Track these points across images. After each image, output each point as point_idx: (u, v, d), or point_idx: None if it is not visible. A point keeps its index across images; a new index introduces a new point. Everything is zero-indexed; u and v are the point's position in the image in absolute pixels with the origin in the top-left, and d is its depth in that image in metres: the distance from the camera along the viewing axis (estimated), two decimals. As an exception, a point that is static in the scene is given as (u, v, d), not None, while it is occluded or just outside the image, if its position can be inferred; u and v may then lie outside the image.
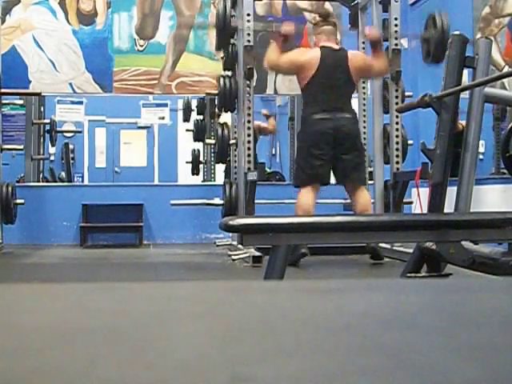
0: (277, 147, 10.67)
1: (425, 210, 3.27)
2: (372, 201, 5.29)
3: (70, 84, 7.05)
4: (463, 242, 2.58)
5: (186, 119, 9.11)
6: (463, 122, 3.65)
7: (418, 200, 3.80)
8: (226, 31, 5.23)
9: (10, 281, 4.07)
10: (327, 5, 7.46)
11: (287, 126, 8.99)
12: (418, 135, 6.52)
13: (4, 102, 6.71)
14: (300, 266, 4.57)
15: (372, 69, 4.81)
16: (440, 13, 4.78)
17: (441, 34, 4.73)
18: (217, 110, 7.42)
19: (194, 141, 8.76)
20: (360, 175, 4.72)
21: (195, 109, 8.90)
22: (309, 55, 4.75)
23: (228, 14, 5.20)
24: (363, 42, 5.87)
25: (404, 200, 5.26)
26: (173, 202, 6.03)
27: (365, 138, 5.74)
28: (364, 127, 5.78)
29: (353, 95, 4.94)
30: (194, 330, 0.61)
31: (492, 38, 4.89)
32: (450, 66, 3.17)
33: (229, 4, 5.27)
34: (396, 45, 5.30)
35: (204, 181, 8.91)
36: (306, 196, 4.58)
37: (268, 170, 8.85)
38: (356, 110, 5.10)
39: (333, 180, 4.87)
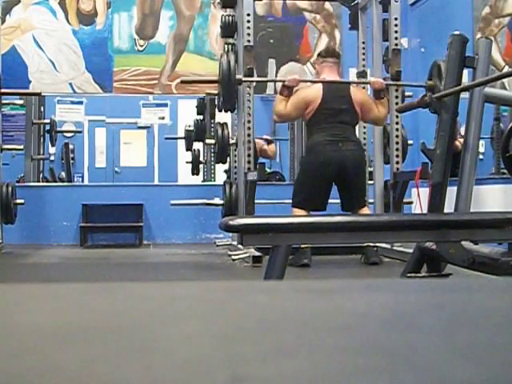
0: (277, 147, 10.66)
1: (425, 210, 3.27)
2: (372, 201, 5.30)
3: (70, 84, 7.05)
4: (463, 242, 2.58)
5: (189, 148, 9.09)
6: (462, 140, 3.65)
7: (418, 200, 3.81)
8: (231, 85, 5.19)
9: (10, 281, 4.07)
10: (327, 5, 7.47)
11: (287, 126, 8.99)
12: (418, 135, 6.52)
13: (4, 102, 6.71)
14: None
15: (372, 109, 4.79)
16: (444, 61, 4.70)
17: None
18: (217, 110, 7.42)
19: (194, 141, 8.76)
20: (363, 202, 4.79)
21: (194, 134, 8.85)
22: (311, 90, 4.79)
23: (232, 68, 5.16)
24: (363, 42, 5.87)
25: (404, 200, 5.26)
26: (173, 202, 6.04)
27: (365, 138, 5.75)
28: (364, 127, 5.78)
29: (356, 126, 4.96)
30: (194, 330, 0.61)
31: (492, 38, 4.89)
32: (450, 66, 3.17)
33: (233, 59, 5.24)
34: (396, 45, 5.30)
35: (204, 181, 8.91)
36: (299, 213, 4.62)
37: (268, 170, 8.84)
38: (360, 141, 5.12)
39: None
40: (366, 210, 4.76)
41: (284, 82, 4.86)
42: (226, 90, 5.21)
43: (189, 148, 9.12)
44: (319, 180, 4.62)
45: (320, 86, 4.75)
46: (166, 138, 10.02)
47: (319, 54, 5.06)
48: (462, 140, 3.81)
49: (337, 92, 4.74)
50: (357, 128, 5.08)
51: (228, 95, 5.26)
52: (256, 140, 5.68)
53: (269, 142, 8.60)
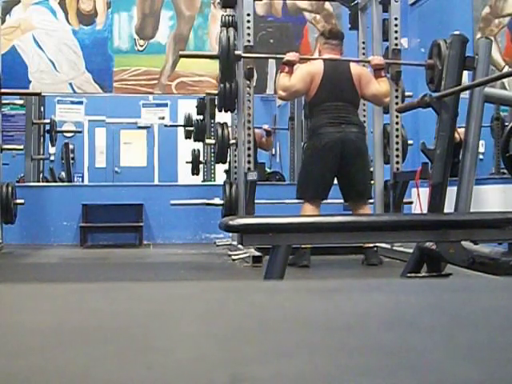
0: (277, 147, 10.67)
1: (425, 210, 3.27)
2: (372, 201, 5.29)
3: (70, 84, 7.05)
4: (463, 242, 2.58)
5: (188, 136, 9.12)
6: (461, 131, 3.64)
7: (418, 200, 3.81)
8: (229, 60, 5.19)
9: (10, 281, 4.07)
10: (327, 5, 7.47)
11: (287, 126, 9.00)
12: (418, 135, 6.52)
13: (4, 102, 6.71)
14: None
15: (372, 82, 4.74)
16: (445, 40, 4.69)
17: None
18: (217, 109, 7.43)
19: (194, 141, 8.77)
20: (365, 193, 4.73)
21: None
22: (313, 65, 4.76)
23: (232, 44, 5.16)
24: (363, 42, 5.87)
25: (404, 200, 5.26)
26: (173, 202, 6.03)
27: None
28: (364, 127, 5.77)
29: (359, 105, 4.93)
30: (193, 329, 0.61)
31: (492, 38, 4.89)
32: (450, 66, 3.17)
33: (232, 34, 5.24)
34: (396, 45, 5.30)
35: (204, 181, 8.91)
36: (310, 210, 4.56)
37: (268, 170, 8.85)
38: (363, 123, 5.10)
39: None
40: (366, 210, 4.72)
41: (284, 59, 4.81)
42: (225, 65, 5.21)
43: (188, 136, 9.11)
44: (324, 164, 4.57)
45: (321, 62, 4.72)
46: (166, 126, 10.02)
47: (322, 34, 4.99)
48: (460, 130, 3.80)
49: (337, 69, 4.70)
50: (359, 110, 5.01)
51: (227, 71, 5.25)
52: (255, 130, 5.65)
53: (268, 133, 8.58)
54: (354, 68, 4.77)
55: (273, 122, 10.29)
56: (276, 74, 7.11)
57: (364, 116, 5.85)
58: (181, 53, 6.09)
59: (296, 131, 8.49)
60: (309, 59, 5.14)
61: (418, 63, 5.27)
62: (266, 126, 8.66)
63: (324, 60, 4.74)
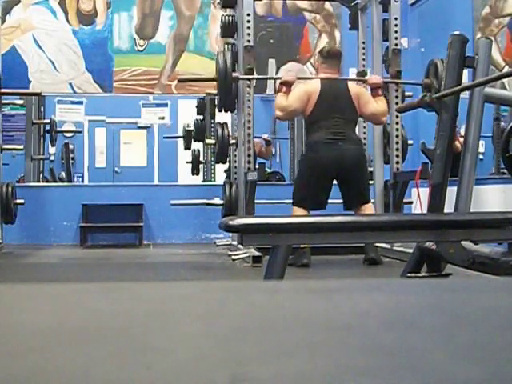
0: (277, 147, 10.67)
1: (425, 210, 3.27)
2: (372, 201, 5.29)
3: (70, 84, 7.05)
4: (463, 242, 2.58)
5: (187, 147, 9.10)
6: (462, 140, 3.64)
7: (418, 200, 3.81)
8: (227, 84, 5.18)
9: (10, 281, 4.07)
10: (327, 5, 7.47)
11: (287, 126, 8.99)
12: (418, 135, 6.52)
13: (4, 102, 6.71)
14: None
15: (370, 101, 4.73)
16: (442, 60, 4.66)
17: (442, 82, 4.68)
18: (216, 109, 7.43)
19: (194, 141, 8.76)
20: (365, 198, 4.72)
21: (195, 130, 8.88)
22: (310, 84, 4.76)
23: (229, 67, 5.16)
24: (363, 42, 5.87)
25: (404, 200, 5.26)
26: (173, 202, 6.03)
27: (365, 138, 5.75)
28: (364, 127, 5.78)
29: (356, 124, 4.93)
30: (193, 329, 0.61)
31: (492, 38, 4.89)
32: (450, 65, 3.17)
33: (229, 57, 5.24)
34: (396, 45, 5.30)
35: (204, 181, 8.91)
36: (299, 213, 4.59)
37: (268, 170, 8.84)
38: (360, 139, 5.10)
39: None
40: (369, 208, 4.71)
41: (281, 79, 4.83)
42: (222, 88, 5.21)
43: (187, 147, 9.13)
44: (319, 178, 4.60)
45: (318, 81, 4.73)
46: (165, 137, 10.04)
47: (320, 52, 5.00)
48: (461, 139, 3.81)
49: (335, 87, 4.71)
50: (357, 127, 5.05)
51: (225, 93, 5.26)
52: (255, 140, 5.67)
53: (267, 142, 8.60)
54: (352, 87, 4.76)
55: (273, 122, 10.29)
56: (276, 73, 7.11)
57: (364, 116, 5.85)
58: (179, 77, 6.11)
59: (296, 131, 8.49)
60: (307, 78, 5.16)
61: (414, 82, 5.28)
62: (265, 136, 8.66)
63: (321, 79, 4.73)
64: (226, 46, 6.01)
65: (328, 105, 4.61)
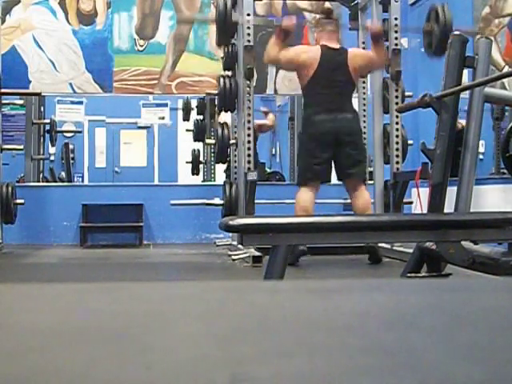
0: (277, 147, 10.67)
1: (425, 210, 3.27)
2: (372, 201, 5.29)
3: (70, 84, 7.05)
4: (463, 242, 2.58)
5: (186, 118, 9.11)
6: (463, 122, 3.66)
7: (418, 200, 3.80)
8: (226, 26, 5.20)
9: (10, 281, 4.07)
10: (327, 5, 7.46)
11: (287, 126, 8.99)
12: (418, 135, 6.52)
13: (4, 102, 6.71)
14: (300, 265, 4.57)
15: (371, 63, 4.81)
16: (443, 6, 4.77)
17: (443, 28, 4.73)
18: (217, 109, 7.43)
19: (194, 141, 8.77)
20: (360, 171, 4.71)
21: (195, 109, 8.91)
22: (308, 54, 4.74)
23: (229, 9, 5.18)
24: (363, 42, 5.87)
25: (404, 200, 5.26)
26: (173, 202, 6.03)
27: (365, 138, 5.74)
28: (364, 127, 5.78)
29: (353, 94, 4.94)
30: (193, 329, 0.61)
31: (492, 38, 4.89)
32: (450, 65, 3.17)
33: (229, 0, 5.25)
34: (396, 45, 5.30)
35: (204, 181, 8.91)
36: (305, 194, 4.60)
37: (268, 170, 8.85)
38: (356, 110, 5.09)
39: (333, 179, 4.88)
40: (363, 191, 4.69)
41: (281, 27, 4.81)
42: (221, 31, 5.22)
43: (186, 119, 9.09)
44: (319, 150, 4.60)
45: (318, 53, 4.71)
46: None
47: (317, 21, 5.03)
48: (462, 121, 3.82)
49: (334, 61, 4.69)
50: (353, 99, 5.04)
51: (224, 35, 5.27)
52: (255, 122, 5.61)
53: (266, 113, 8.50)
54: (350, 56, 4.75)
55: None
56: (276, 74, 7.11)
57: (364, 116, 5.86)
58: (179, 19, 6.05)
59: (296, 131, 8.49)
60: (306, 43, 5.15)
61: (414, 27, 5.31)
62: (263, 108, 8.55)
63: (322, 48, 4.72)
64: (226, 46, 6.01)
65: (325, 78, 4.64)
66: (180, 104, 9.39)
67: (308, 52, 4.77)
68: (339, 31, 4.98)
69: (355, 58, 4.81)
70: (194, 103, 8.99)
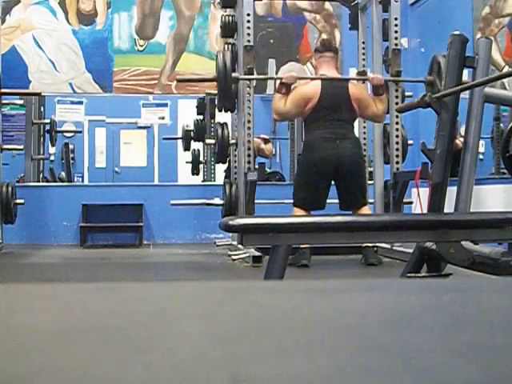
0: (277, 147, 10.67)
1: (425, 210, 3.27)
2: (372, 201, 5.29)
3: (70, 84, 7.05)
4: (463, 242, 2.58)
5: (187, 148, 9.10)
6: (462, 140, 3.65)
7: (418, 200, 3.80)
8: (227, 83, 5.17)
9: (10, 281, 4.07)
10: (327, 5, 7.47)
11: (287, 126, 8.99)
12: (418, 135, 6.52)
13: (4, 102, 6.71)
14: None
15: (370, 105, 4.76)
16: (445, 56, 4.64)
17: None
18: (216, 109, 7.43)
19: (194, 141, 8.76)
20: (362, 201, 4.73)
21: (193, 133, 8.87)
22: (310, 87, 4.76)
23: (229, 67, 5.15)
24: (363, 42, 5.87)
25: (404, 200, 5.26)
26: (173, 202, 6.03)
27: (365, 138, 5.75)
28: (364, 127, 5.78)
29: (354, 123, 4.94)
30: (193, 330, 0.61)
31: (492, 38, 4.89)
32: (450, 65, 3.17)
33: (229, 57, 5.22)
34: (396, 45, 5.30)
35: (204, 181, 8.90)
36: (300, 214, 4.59)
37: (268, 170, 8.84)
38: (357, 137, 5.10)
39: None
40: (366, 210, 4.72)
41: (282, 79, 4.85)
42: (222, 88, 5.20)
43: (187, 148, 9.13)
44: (317, 178, 4.60)
45: (319, 82, 4.73)
46: (164, 139, 10.04)
47: (316, 50, 5.03)
48: (462, 139, 3.81)
49: (335, 89, 4.72)
50: (356, 126, 5.06)
51: (225, 94, 5.25)
52: (254, 139, 5.65)
53: (266, 141, 8.58)
54: (353, 89, 4.76)
55: (273, 122, 10.28)
56: (276, 74, 7.11)
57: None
58: (178, 77, 6.11)
59: (296, 131, 8.49)
60: (307, 79, 5.14)
61: (416, 80, 5.30)
62: (263, 136, 8.65)
63: (322, 81, 4.73)
64: (226, 45, 6.02)
65: (327, 107, 4.63)
66: (180, 104, 9.39)
67: (308, 85, 4.79)
68: (338, 59, 4.99)
69: (356, 87, 4.84)
70: (194, 103, 8.98)
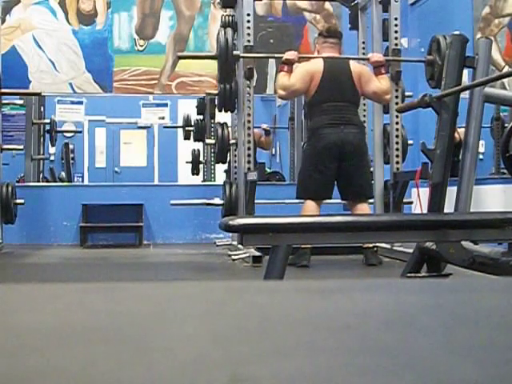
0: (277, 147, 10.67)
1: (425, 210, 3.27)
2: (372, 201, 5.29)
3: (70, 84, 7.05)
4: (463, 242, 2.58)
5: (187, 137, 9.13)
6: (461, 131, 3.65)
7: (418, 200, 3.80)
8: (228, 60, 5.17)
9: (10, 281, 4.07)
10: (327, 5, 7.47)
11: (287, 126, 9.00)
12: (418, 135, 6.52)
13: (4, 102, 6.71)
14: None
15: (372, 80, 4.73)
16: (444, 36, 4.65)
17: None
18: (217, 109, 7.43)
19: (194, 141, 8.77)
20: (362, 191, 4.70)
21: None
22: (313, 63, 4.74)
23: (230, 44, 5.14)
24: (363, 42, 5.87)
25: (404, 200, 5.26)
26: (173, 202, 6.03)
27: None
28: (364, 127, 5.77)
29: (359, 106, 4.92)
30: (194, 330, 0.61)
31: (492, 38, 4.89)
32: (450, 65, 3.17)
33: (230, 34, 5.22)
34: (396, 45, 5.30)
35: (204, 181, 8.91)
36: (312, 209, 4.56)
37: (268, 170, 8.84)
38: (363, 124, 5.09)
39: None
40: (366, 210, 4.70)
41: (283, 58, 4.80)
42: (223, 65, 5.19)
43: (187, 137, 9.13)
44: (323, 166, 4.57)
45: (321, 60, 4.71)
46: (165, 127, 10.05)
47: (320, 34, 5.00)
48: (460, 130, 3.81)
49: (337, 65, 4.69)
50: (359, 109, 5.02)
51: (225, 71, 5.24)
52: (254, 130, 5.65)
53: (267, 132, 8.57)
54: (354, 66, 4.76)
55: (273, 122, 10.29)
56: (276, 73, 7.11)
57: (364, 116, 5.85)
58: (179, 54, 6.09)
59: (296, 131, 8.49)
60: (308, 58, 5.12)
61: (417, 59, 5.29)
62: (264, 126, 8.65)
63: (324, 59, 4.73)
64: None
65: (330, 86, 4.60)
66: (180, 104, 9.40)
67: (311, 64, 4.77)
68: (341, 46, 4.97)
69: (358, 66, 4.82)
70: (194, 103, 8.98)
